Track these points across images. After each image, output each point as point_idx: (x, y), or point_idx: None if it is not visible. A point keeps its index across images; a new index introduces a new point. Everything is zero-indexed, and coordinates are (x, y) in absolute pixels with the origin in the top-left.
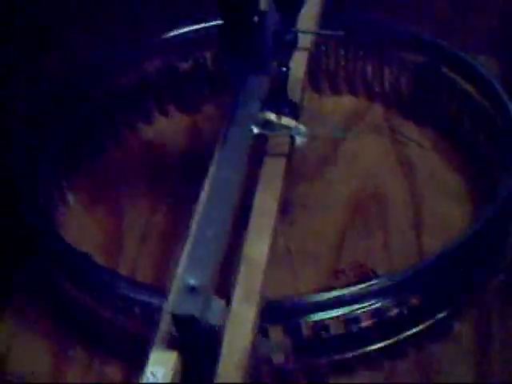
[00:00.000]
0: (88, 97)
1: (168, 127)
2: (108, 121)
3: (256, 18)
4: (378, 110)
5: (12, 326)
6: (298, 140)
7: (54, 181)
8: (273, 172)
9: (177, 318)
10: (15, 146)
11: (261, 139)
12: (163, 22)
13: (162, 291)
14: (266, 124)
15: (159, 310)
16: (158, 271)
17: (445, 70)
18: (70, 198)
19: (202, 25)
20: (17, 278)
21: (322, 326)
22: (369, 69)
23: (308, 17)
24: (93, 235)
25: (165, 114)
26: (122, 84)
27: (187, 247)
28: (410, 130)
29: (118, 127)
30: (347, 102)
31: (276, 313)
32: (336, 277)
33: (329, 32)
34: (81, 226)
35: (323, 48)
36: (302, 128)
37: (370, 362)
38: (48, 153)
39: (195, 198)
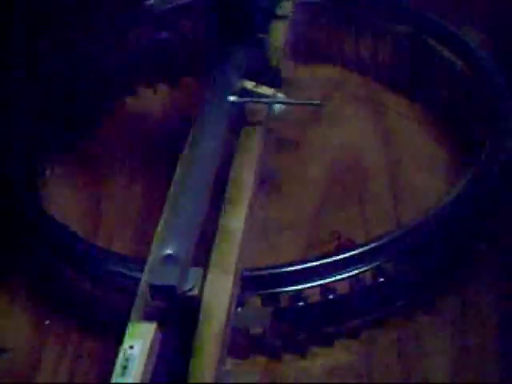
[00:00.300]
0: (70, 74)
1: (150, 99)
2: (92, 95)
3: None
4: (356, 79)
5: None
6: (276, 108)
7: (36, 152)
8: (250, 141)
9: (154, 288)
10: None
11: (238, 107)
12: None
13: (139, 263)
14: (244, 92)
15: (137, 281)
16: (137, 244)
17: (426, 38)
18: (50, 170)
19: None
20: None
21: (300, 295)
22: (348, 38)
23: None
24: (71, 208)
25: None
26: (106, 59)
27: (164, 218)
28: (388, 98)
29: (103, 101)
30: (325, 71)
31: (253, 283)
32: (314, 248)
33: None
34: (60, 199)
35: (300, 16)
36: (280, 96)
37: (349, 332)
38: (27, 126)
39: (173, 170)
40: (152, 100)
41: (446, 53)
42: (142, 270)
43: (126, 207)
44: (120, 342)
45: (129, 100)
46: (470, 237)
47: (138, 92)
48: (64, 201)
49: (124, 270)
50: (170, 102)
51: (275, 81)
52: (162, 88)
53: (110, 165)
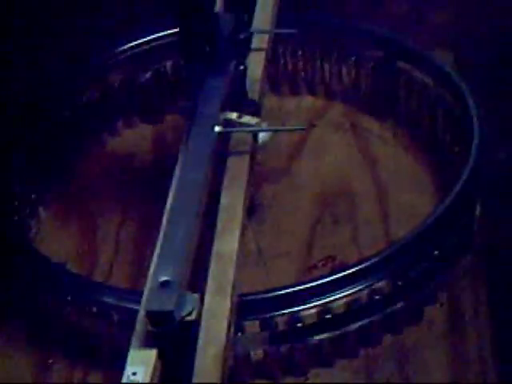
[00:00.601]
0: (52, 112)
1: (133, 138)
2: (74, 135)
3: (209, 21)
4: (338, 107)
5: None
6: (260, 137)
7: (24, 197)
8: (237, 169)
9: (152, 315)
10: None
11: (223, 138)
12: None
13: (137, 296)
14: (227, 123)
15: (136, 312)
16: (133, 280)
17: (401, 63)
18: (42, 213)
19: (159, 34)
20: None
21: (296, 317)
22: (327, 68)
23: (263, 17)
24: (67, 248)
25: (129, 125)
26: (85, 98)
27: (158, 246)
28: (371, 124)
29: (85, 141)
30: (307, 101)
31: (250, 308)
32: (309, 272)
33: (282, 30)
34: (53, 240)
35: (280, 49)
36: (264, 125)
37: (346, 350)
38: (17, 171)
39: (164, 205)
40: (138, 138)
41: (423, 76)
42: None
43: (121, 243)
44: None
45: (112, 139)
46: (457, 250)
47: (118, 130)
48: (58, 242)
49: (123, 303)
50: (157, 140)
51: (256, 112)
52: (142, 126)
53: (101, 202)
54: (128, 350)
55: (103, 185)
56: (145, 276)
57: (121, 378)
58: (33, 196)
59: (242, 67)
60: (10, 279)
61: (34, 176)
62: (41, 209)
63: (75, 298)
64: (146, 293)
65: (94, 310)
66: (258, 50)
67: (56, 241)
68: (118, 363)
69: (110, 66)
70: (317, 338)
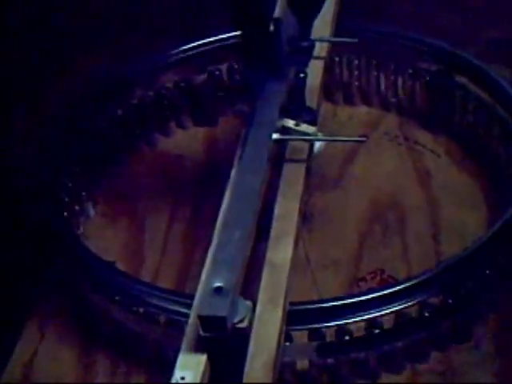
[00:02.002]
0: (106, 111)
1: (185, 139)
2: (127, 134)
3: (271, 27)
4: (392, 119)
5: (36, 336)
6: (317, 146)
7: (75, 194)
8: (293, 177)
9: (204, 320)
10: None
11: (280, 145)
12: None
13: (185, 298)
14: (284, 130)
15: (183, 316)
16: (180, 281)
17: (458, 77)
18: (91, 210)
19: (217, 37)
20: (41, 287)
21: (345, 329)
22: (382, 79)
23: (322, 26)
24: (114, 247)
25: (182, 126)
26: (139, 98)
27: (212, 250)
28: (424, 138)
29: (137, 140)
30: (362, 112)
31: (300, 317)
32: (357, 284)
33: (343, 40)
34: (101, 238)
35: (337, 59)
36: (320, 134)
37: (392, 364)
38: (69, 166)
39: (213, 208)
40: (190, 140)
41: (480, 92)
42: (187, 305)
43: (168, 245)
44: (167, 375)
45: (164, 140)
46: (509, 269)
47: (170, 131)
48: (106, 240)
49: (171, 306)
50: (209, 143)
51: (313, 120)
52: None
53: (150, 202)
54: (177, 354)
55: (153, 185)
56: (192, 279)
57: (165, 381)
58: (83, 193)
59: (302, 75)
60: (58, 277)
61: (85, 173)
62: (90, 206)
63: (123, 298)
64: (198, 297)
65: (141, 310)
66: (317, 58)
67: (103, 239)
68: (162, 365)
69: (165, 66)
70: (364, 351)
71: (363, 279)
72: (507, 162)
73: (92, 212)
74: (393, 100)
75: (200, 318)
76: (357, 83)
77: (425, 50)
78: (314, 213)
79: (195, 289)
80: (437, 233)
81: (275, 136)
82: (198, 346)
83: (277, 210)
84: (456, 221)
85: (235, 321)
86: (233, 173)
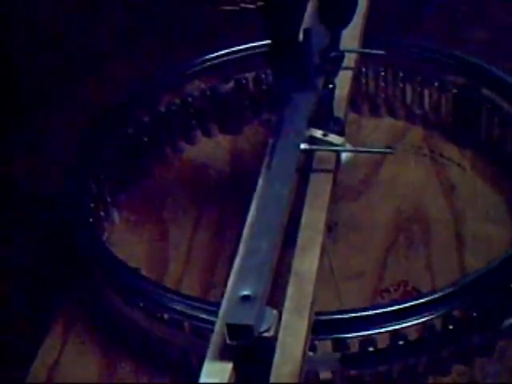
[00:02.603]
0: (133, 119)
1: (210, 148)
2: (153, 142)
3: (301, 36)
4: (417, 131)
5: (61, 340)
6: (344, 156)
7: (100, 199)
8: (320, 187)
9: (231, 328)
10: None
11: (307, 155)
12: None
13: (210, 306)
14: (312, 140)
15: (209, 323)
16: (203, 290)
17: (484, 90)
18: (116, 216)
19: (243, 46)
20: (66, 291)
21: (369, 340)
22: (408, 91)
23: (351, 37)
24: (138, 254)
25: (207, 134)
26: (166, 106)
27: (239, 258)
28: (450, 151)
29: (163, 148)
30: (387, 123)
31: (324, 327)
32: (380, 296)
33: (372, 51)
34: (126, 245)
35: (363, 69)
36: (348, 145)
37: (415, 376)
38: (95, 172)
39: (237, 217)
40: (215, 148)
41: (507, 105)
42: (212, 312)
43: (192, 252)
44: (192, 382)
45: (190, 148)
46: None
47: (196, 139)
48: (130, 247)
49: (197, 312)
50: (233, 152)
51: (340, 131)
52: (220, 136)
53: (175, 210)
54: (202, 362)
55: (178, 193)
56: (215, 287)
57: None
58: (108, 199)
59: (331, 86)
60: (84, 280)
61: (111, 179)
62: (115, 212)
63: (147, 304)
64: (225, 305)
65: (166, 316)
66: (346, 68)
67: (127, 245)
68: (187, 373)
69: (190, 74)
70: (387, 363)
71: (386, 290)
72: None
73: (117, 218)
74: (418, 112)
75: (227, 325)
76: (383, 95)
77: (451, 63)
78: (339, 223)
79: (219, 297)
80: (461, 246)
81: (303, 146)
82: (224, 354)
83: (303, 220)
84: (481, 234)
85: (261, 330)
86: (260, 181)
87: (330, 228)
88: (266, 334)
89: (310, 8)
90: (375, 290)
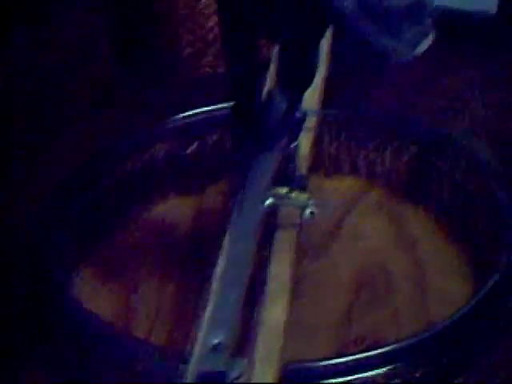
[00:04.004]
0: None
1: (172, 209)
2: (114, 202)
3: (263, 99)
4: (378, 189)
5: None
6: (307, 212)
7: (67, 257)
8: (285, 242)
9: (203, 375)
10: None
11: (271, 211)
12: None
13: (181, 357)
14: (277, 198)
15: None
16: (173, 343)
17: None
18: (83, 274)
19: (205, 108)
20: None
21: None
22: (371, 149)
23: (311, 97)
24: (106, 310)
25: (169, 196)
26: (127, 170)
27: (208, 310)
28: (411, 208)
29: (124, 209)
30: (349, 183)
31: (291, 377)
32: (347, 348)
33: (333, 111)
34: (94, 301)
35: (325, 129)
36: (312, 201)
37: None
38: (61, 230)
39: (203, 272)
40: (177, 207)
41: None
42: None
43: (160, 309)
44: None
45: (150, 208)
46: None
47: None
48: (95, 305)
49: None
50: (191, 211)
51: (304, 187)
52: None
53: (138, 270)
54: None
55: (141, 253)
56: (183, 342)
57: None
58: (75, 259)
59: (294, 145)
60: (52, 336)
61: (77, 237)
62: (82, 271)
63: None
64: (196, 354)
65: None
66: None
67: (95, 302)
68: None
69: (153, 137)
70: None
71: (353, 344)
72: (491, 232)
73: (85, 274)
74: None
75: (198, 374)
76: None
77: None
78: (302, 279)
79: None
80: (425, 298)
81: (268, 202)
82: None
83: (270, 273)
84: (443, 287)
85: (233, 377)
86: (226, 238)
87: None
88: (236, 382)
89: (271, 70)
90: (340, 344)
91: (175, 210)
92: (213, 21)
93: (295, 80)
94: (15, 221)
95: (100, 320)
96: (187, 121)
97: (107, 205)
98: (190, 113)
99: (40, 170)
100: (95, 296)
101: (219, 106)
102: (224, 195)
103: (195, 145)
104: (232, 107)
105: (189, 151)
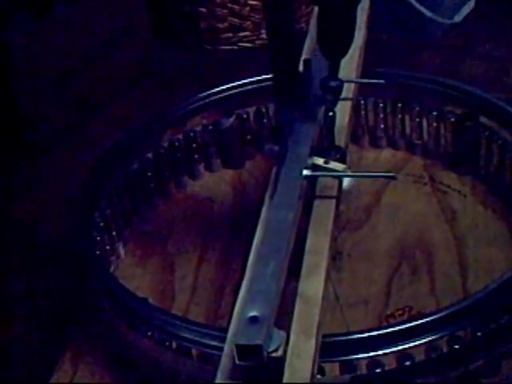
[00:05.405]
0: (137, 155)
1: (213, 182)
2: (157, 177)
3: (301, 67)
4: (417, 161)
5: (70, 372)
6: (346, 184)
7: (106, 233)
8: (323, 213)
9: (241, 348)
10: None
11: (310, 182)
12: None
13: (218, 332)
14: (315, 167)
15: (217, 349)
16: (210, 320)
17: (483, 119)
18: (122, 250)
19: (243, 81)
20: (75, 325)
21: (376, 362)
22: (407, 121)
23: (349, 68)
24: (144, 287)
25: (210, 169)
26: (168, 141)
27: (246, 282)
28: (450, 178)
29: (166, 183)
30: (387, 154)
31: (331, 349)
32: (386, 321)
33: (370, 81)
34: (132, 278)
35: (362, 101)
36: (350, 171)
37: None
38: (100, 208)
39: (241, 248)
40: (217, 182)
41: (506, 134)
42: (220, 338)
43: (198, 284)
44: None
45: (193, 182)
46: None
47: (199, 173)
48: (136, 281)
49: (205, 339)
50: (236, 185)
51: (342, 158)
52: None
53: (179, 243)
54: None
55: (182, 226)
56: (222, 317)
57: None
58: (113, 233)
59: (331, 114)
60: (91, 313)
61: (116, 214)
62: (120, 246)
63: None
64: (233, 327)
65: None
66: (345, 99)
67: (133, 278)
68: None
69: (192, 110)
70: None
71: (392, 316)
72: None
73: (122, 251)
74: (418, 142)
75: (236, 346)
76: (382, 126)
77: (449, 92)
78: (342, 252)
79: (226, 325)
80: (464, 270)
81: (306, 172)
82: (234, 375)
83: (308, 246)
84: (482, 258)
85: (270, 350)
86: (264, 209)
87: (334, 257)
88: (274, 355)
89: (309, 39)
90: (380, 316)
91: (215, 183)
92: None
93: (332, 47)
94: (54, 197)
95: (137, 298)
96: (226, 93)
97: (147, 179)
98: (229, 85)
99: (80, 145)
100: (134, 272)
101: (257, 78)
102: (265, 167)
103: (234, 117)
104: (273, 77)
105: (228, 123)
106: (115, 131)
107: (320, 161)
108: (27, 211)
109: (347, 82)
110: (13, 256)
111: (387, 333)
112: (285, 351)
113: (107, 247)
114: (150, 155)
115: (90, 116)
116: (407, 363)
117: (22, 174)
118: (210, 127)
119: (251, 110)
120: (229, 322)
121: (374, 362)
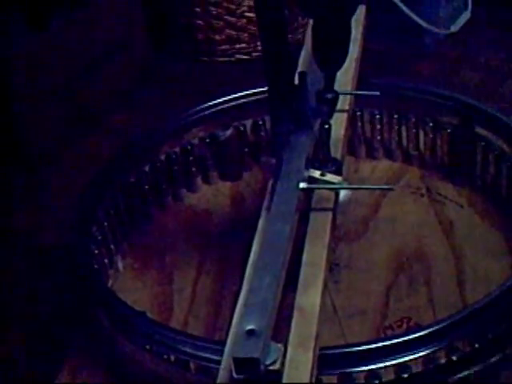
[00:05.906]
0: (134, 168)
1: (211, 194)
2: (154, 190)
3: (296, 80)
4: (414, 172)
5: None
6: (342, 196)
7: (104, 247)
8: (320, 225)
9: (238, 362)
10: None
11: (307, 195)
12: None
13: (215, 345)
14: (311, 180)
15: (215, 362)
16: (208, 333)
17: (479, 129)
18: (120, 263)
19: (239, 94)
20: (74, 337)
21: (375, 374)
22: (404, 132)
23: (345, 80)
24: (142, 300)
25: (207, 181)
26: (165, 154)
27: (243, 295)
28: (446, 189)
29: (164, 196)
30: (384, 165)
31: (329, 361)
32: (384, 333)
33: (366, 92)
34: (131, 291)
35: (359, 113)
36: (346, 184)
37: None
38: (98, 221)
39: (239, 260)
40: (215, 194)
41: (502, 144)
42: (217, 351)
43: (196, 297)
44: None
45: (190, 194)
46: None
47: (196, 186)
48: (134, 293)
49: (202, 353)
50: (234, 197)
51: (338, 171)
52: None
53: (177, 255)
54: None
55: (180, 238)
56: (220, 329)
57: None
58: (111, 246)
59: (326, 126)
60: (89, 326)
61: (114, 227)
62: (119, 259)
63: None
64: (230, 340)
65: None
66: (341, 111)
67: (132, 291)
68: None
69: (189, 123)
70: None
71: (390, 327)
72: None
73: (121, 265)
74: (414, 153)
75: (234, 359)
76: (379, 137)
77: (446, 103)
78: (340, 263)
79: (224, 337)
80: (461, 281)
81: (302, 185)
82: None
83: (305, 257)
84: (480, 269)
85: (267, 363)
86: (261, 221)
87: (332, 269)
88: (271, 368)
89: (304, 51)
90: (378, 327)
91: (213, 195)
92: (245, 5)
93: (328, 59)
94: (53, 209)
95: (135, 311)
96: (223, 106)
97: (145, 192)
98: (226, 98)
99: (79, 157)
100: (132, 285)
101: (254, 90)
102: (262, 179)
103: (231, 129)
104: (268, 90)
105: (225, 136)
106: (113, 143)
107: (316, 173)
108: (27, 222)
109: (343, 93)
110: (13, 264)
111: (386, 345)
112: (282, 364)
113: (105, 260)
114: (147, 168)
115: (89, 128)
116: (405, 375)
117: (21, 186)
118: (207, 140)
119: (248, 123)
120: (227, 334)
121: (372, 374)
